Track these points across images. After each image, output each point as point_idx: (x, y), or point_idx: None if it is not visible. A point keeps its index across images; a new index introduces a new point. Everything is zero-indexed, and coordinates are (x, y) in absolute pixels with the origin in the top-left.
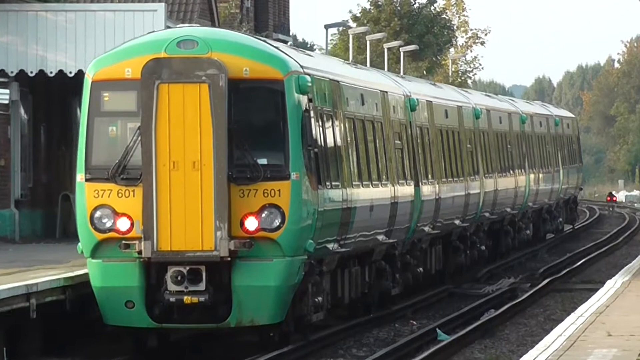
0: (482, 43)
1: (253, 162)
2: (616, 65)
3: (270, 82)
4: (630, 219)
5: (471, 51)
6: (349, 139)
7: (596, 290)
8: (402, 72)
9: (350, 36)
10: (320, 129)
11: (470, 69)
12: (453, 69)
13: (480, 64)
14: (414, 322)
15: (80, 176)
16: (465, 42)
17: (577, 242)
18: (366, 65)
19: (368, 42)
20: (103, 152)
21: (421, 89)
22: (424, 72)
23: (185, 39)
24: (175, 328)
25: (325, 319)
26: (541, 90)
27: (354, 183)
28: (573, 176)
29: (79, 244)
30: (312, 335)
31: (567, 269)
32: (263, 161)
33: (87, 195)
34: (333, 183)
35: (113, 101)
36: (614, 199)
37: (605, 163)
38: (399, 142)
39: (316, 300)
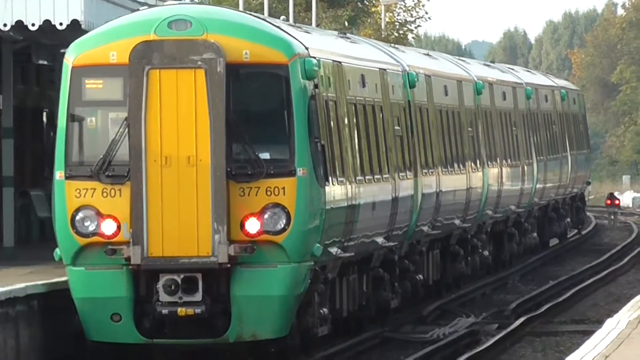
0: None
1: (254, 157)
2: (619, 11)
3: (274, 66)
4: None
5: None
6: (351, 128)
7: (591, 333)
8: (314, 23)
9: None
10: (326, 118)
11: (412, 19)
12: (387, 19)
13: (425, 12)
14: None
15: (59, 173)
16: None
17: (563, 264)
18: (263, 14)
19: None
20: (85, 146)
21: (417, 61)
22: (345, 23)
23: (177, 18)
24: (167, 344)
25: (329, 333)
26: (512, 48)
27: (357, 178)
28: (581, 166)
29: (57, 249)
30: (318, 352)
31: (550, 304)
32: (265, 155)
33: (67, 194)
34: (339, 179)
35: (96, 89)
36: (616, 202)
37: (603, 151)
38: (398, 127)
39: (321, 311)
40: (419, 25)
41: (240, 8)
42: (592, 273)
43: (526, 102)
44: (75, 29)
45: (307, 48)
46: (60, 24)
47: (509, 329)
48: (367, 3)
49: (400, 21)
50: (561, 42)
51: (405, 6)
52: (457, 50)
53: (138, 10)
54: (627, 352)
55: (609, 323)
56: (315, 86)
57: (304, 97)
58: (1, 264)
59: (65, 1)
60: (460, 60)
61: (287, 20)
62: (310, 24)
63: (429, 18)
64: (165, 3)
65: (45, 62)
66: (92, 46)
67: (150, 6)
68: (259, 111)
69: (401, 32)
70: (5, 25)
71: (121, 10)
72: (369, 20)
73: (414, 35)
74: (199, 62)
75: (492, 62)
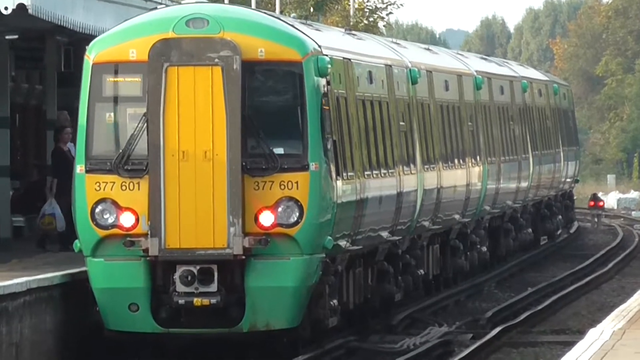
0: None
1: (269, 152)
2: None
3: (288, 64)
4: (626, 235)
5: None
6: (360, 124)
7: (573, 344)
8: (277, 11)
9: None
10: (336, 114)
11: (383, 5)
12: (356, 6)
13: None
14: None
15: (79, 167)
16: None
17: (543, 270)
18: (224, 2)
19: None
20: (105, 141)
21: (418, 56)
22: (311, 10)
23: (195, 17)
24: (184, 333)
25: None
26: (490, 37)
27: (365, 173)
28: (571, 163)
29: (77, 241)
30: (327, 343)
31: (529, 312)
32: (279, 150)
33: (87, 188)
34: (349, 173)
35: (116, 85)
36: (600, 203)
37: (587, 149)
38: (403, 123)
39: (331, 303)
40: (390, 12)
41: None
42: (573, 279)
43: (522, 96)
44: (22, 14)
45: (319, 46)
46: (6, 8)
47: (484, 339)
48: None
49: (370, 7)
50: (542, 32)
51: None
52: (430, 40)
53: None
54: None
55: (592, 333)
56: (328, 83)
57: (317, 94)
58: None
59: None
60: (459, 54)
61: (288, 15)
62: (274, 10)
63: (401, 4)
64: (183, 2)
65: None
66: (112, 44)
67: None
68: (273, 107)
69: (371, 19)
70: None
71: None
72: (336, 6)
73: (384, 23)
74: (216, 60)
75: (488, 55)
